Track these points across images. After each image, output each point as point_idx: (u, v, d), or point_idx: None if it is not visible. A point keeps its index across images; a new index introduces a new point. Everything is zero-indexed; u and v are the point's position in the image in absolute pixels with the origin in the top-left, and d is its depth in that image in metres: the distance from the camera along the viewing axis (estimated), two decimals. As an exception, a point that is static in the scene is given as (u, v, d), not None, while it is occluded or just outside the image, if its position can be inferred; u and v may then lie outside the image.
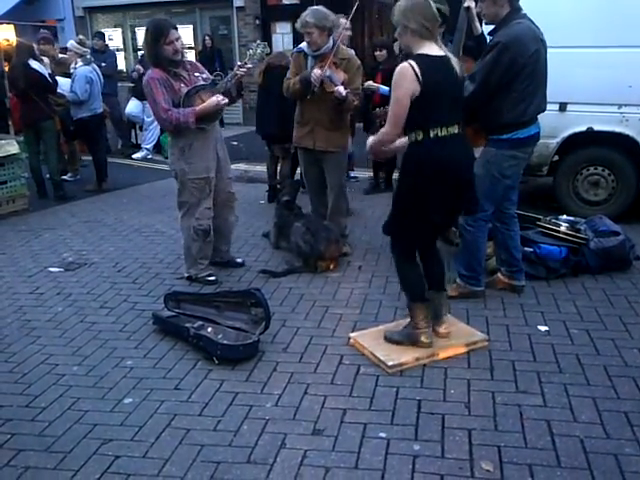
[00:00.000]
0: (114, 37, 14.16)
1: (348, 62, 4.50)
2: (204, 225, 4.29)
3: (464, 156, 3.13)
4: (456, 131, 3.03)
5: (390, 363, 3.11)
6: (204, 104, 4.02)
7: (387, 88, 6.35)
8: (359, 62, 4.61)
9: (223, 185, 4.42)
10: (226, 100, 4.09)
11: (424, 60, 2.91)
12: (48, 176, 7.32)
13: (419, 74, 2.86)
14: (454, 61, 3.02)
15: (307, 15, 4.33)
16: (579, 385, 2.95)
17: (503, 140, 3.63)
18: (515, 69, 3.50)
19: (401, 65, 2.93)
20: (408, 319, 3.36)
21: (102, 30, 12.24)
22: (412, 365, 3.14)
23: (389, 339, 3.33)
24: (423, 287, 3.29)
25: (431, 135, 2.97)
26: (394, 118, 2.99)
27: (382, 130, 3.10)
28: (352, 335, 3.44)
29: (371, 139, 3.25)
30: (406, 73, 2.88)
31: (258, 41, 4.34)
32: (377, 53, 6.76)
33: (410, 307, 3.30)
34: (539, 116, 3.74)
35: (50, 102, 6.92)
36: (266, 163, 6.86)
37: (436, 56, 2.96)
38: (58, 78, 7.26)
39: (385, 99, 6.46)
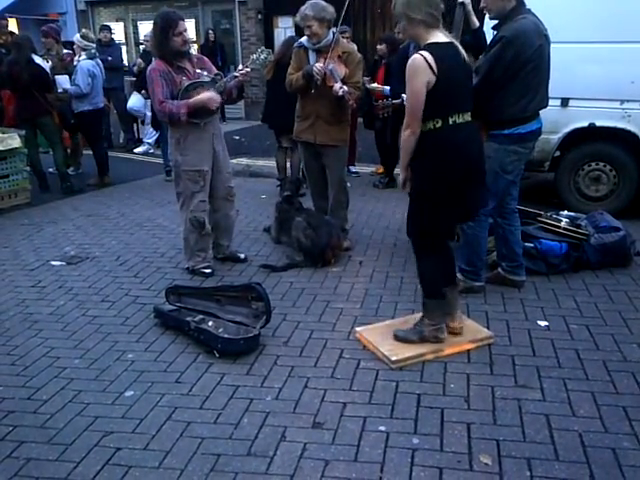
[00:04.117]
0: (116, 31, 14.13)
1: (349, 56, 4.52)
2: (199, 217, 4.31)
3: (479, 144, 3.14)
4: (470, 119, 3.03)
5: (394, 358, 3.12)
6: (197, 97, 4.06)
7: (388, 87, 6.40)
8: (360, 56, 4.62)
9: (222, 179, 4.43)
10: (219, 98, 4.13)
11: (435, 49, 2.88)
12: (51, 170, 7.37)
13: (432, 64, 2.82)
14: (461, 47, 3.01)
15: (306, 8, 4.38)
16: (578, 380, 2.96)
17: (504, 135, 3.63)
18: (518, 64, 3.49)
19: (413, 57, 2.89)
20: (413, 315, 3.37)
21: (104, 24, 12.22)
22: (416, 361, 3.14)
23: (401, 338, 3.27)
24: (442, 284, 3.25)
25: (450, 122, 2.94)
26: (412, 111, 2.92)
27: (404, 128, 2.98)
28: (358, 330, 3.44)
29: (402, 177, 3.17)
30: (419, 65, 2.84)
31: (263, 47, 4.39)
32: (379, 47, 6.76)
33: (426, 304, 3.26)
34: (541, 111, 3.74)
35: (47, 98, 6.91)
36: (275, 157, 6.84)
37: (445, 43, 2.93)
38: (57, 76, 7.24)
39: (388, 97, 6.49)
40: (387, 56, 6.60)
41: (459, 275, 3.96)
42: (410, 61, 2.90)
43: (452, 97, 2.94)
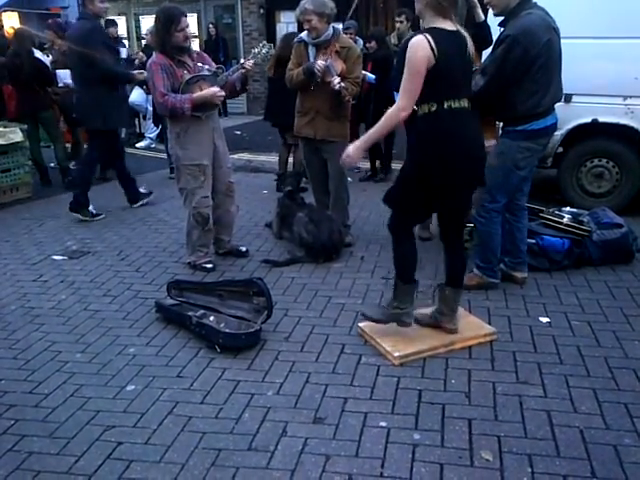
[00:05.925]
0: (118, 25, 14.11)
1: (348, 51, 4.51)
2: (203, 213, 4.30)
3: (477, 130, 3.11)
4: (466, 105, 2.99)
5: (396, 354, 3.11)
6: (201, 92, 4.06)
7: (373, 76, 6.40)
8: (359, 51, 4.62)
9: (222, 175, 4.42)
10: (223, 93, 4.13)
11: (436, 33, 2.88)
12: (52, 164, 7.36)
13: (433, 45, 2.83)
14: (466, 36, 2.99)
15: (306, 2, 4.38)
16: (579, 376, 2.96)
17: (518, 131, 3.60)
18: (527, 61, 3.45)
19: (415, 37, 2.89)
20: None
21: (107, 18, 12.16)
22: (418, 357, 3.14)
23: (368, 317, 3.30)
24: (415, 268, 3.25)
25: (445, 106, 2.92)
26: (410, 90, 2.89)
27: (395, 106, 2.95)
28: (360, 325, 3.44)
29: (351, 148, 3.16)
30: (421, 43, 2.84)
31: (264, 42, 4.38)
32: (368, 45, 6.77)
33: (397, 286, 3.26)
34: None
35: (48, 92, 6.91)
36: (278, 152, 6.84)
37: (449, 30, 2.93)
38: (59, 71, 7.23)
39: (372, 87, 6.51)
40: (374, 51, 6.60)
41: (476, 271, 3.94)
42: (412, 40, 2.89)
43: (449, 82, 2.92)
